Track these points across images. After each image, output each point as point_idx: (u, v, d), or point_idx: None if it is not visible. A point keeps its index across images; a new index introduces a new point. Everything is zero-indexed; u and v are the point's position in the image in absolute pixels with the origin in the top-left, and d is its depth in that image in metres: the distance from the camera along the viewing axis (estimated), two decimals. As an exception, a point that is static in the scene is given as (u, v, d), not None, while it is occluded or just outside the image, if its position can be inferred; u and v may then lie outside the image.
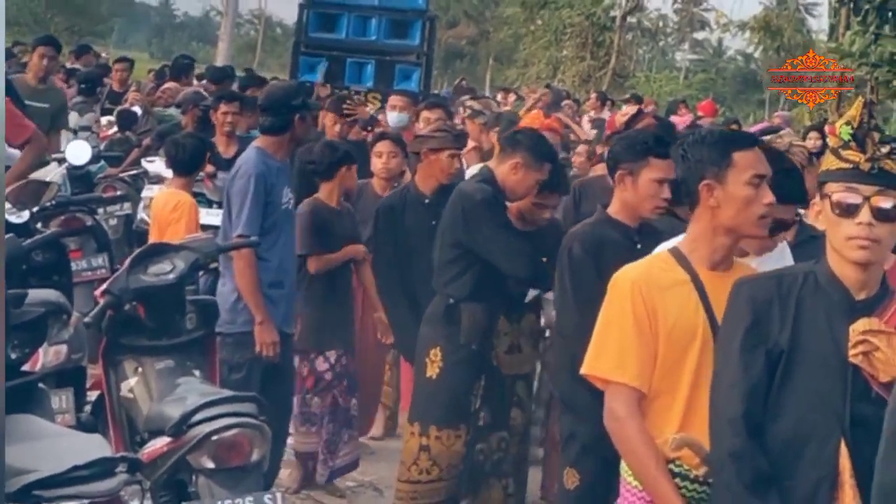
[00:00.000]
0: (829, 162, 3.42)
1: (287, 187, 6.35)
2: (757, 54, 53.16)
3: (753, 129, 11.81)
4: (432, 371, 5.92)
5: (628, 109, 8.80)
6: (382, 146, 7.74)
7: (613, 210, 5.08)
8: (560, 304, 5.15)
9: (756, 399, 3.40)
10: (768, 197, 3.77)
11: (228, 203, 6.25)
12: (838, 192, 3.34)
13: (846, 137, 3.36)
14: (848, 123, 3.39)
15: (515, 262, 5.79)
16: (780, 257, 4.27)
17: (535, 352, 6.30)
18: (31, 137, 7.37)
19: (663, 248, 4.08)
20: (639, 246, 4.85)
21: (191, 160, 7.61)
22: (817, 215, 3.44)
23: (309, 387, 7.03)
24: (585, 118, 15.93)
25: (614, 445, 3.90)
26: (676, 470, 3.73)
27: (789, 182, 4.23)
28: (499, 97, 17.34)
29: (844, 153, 3.36)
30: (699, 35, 63.80)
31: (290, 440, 6.85)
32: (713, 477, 3.57)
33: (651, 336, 3.73)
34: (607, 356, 3.78)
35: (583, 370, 3.86)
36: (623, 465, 3.90)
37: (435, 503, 6.01)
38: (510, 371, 6.06)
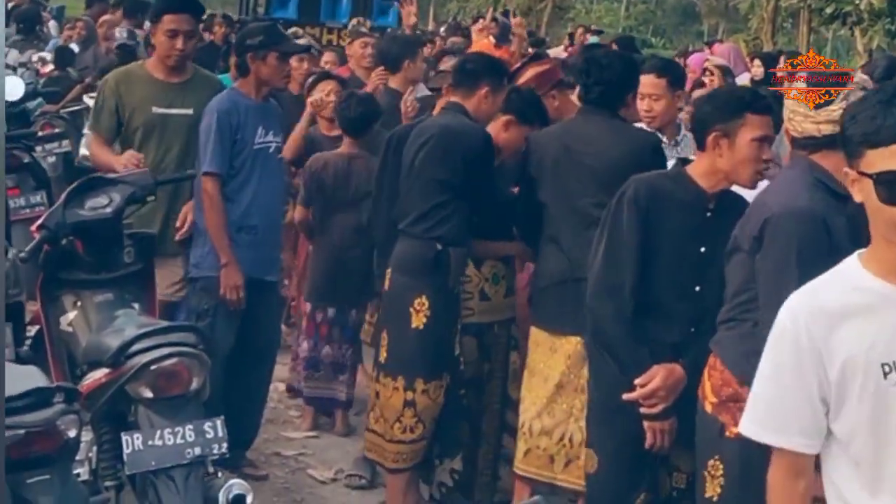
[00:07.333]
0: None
1: (262, 127, 6.17)
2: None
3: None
4: (418, 322, 5.61)
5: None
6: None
7: (695, 170, 4.48)
8: (596, 239, 4.72)
9: None
10: None
11: (199, 141, 6.13)
12: None
13: None
14: None
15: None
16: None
17: (508, 298, 5.96)
18: None
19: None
20: (709, 214, 4.47)
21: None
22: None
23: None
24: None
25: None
26: None
27: None
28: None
29: None
30: (640, -35, 63.46)
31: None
32: None
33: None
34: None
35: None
36: None
37: (417, 464, 5.82)
38: (501, 317, 5.93)
